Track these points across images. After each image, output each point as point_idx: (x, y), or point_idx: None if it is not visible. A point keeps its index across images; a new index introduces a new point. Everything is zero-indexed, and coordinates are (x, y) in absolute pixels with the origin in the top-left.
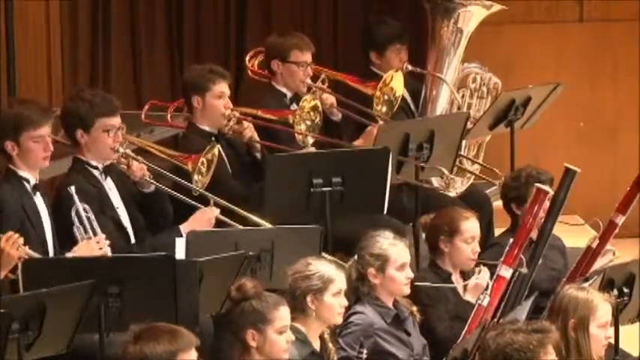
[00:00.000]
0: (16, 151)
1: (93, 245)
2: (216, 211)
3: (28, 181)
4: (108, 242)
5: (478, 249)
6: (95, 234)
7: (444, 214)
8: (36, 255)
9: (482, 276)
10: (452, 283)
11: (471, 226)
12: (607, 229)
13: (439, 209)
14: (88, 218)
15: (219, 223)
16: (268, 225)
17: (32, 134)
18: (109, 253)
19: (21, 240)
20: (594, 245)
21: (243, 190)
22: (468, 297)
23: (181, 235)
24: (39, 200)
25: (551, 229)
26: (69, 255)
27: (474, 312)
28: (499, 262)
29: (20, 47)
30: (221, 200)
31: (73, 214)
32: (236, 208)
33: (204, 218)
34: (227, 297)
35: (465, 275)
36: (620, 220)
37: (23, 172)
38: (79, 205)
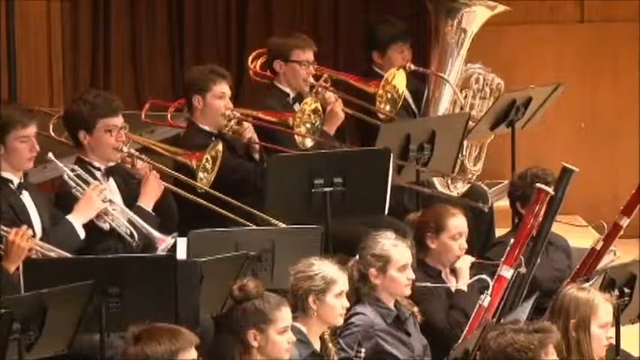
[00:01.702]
0: (1, 151)
1: (90, 194)
2: (157, 175)
3: (12, 182)
4: (103, 187)
5: (465, 245)
6: None
7: (430, 211)
8: (46, 245)
9: (465, 262)
10: (442, 280)
11: (457, 222)
12: (611, 232)
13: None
14: (78, 176)
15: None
16: (273, 220)
17: (19, 134)
18: (114, 199)
19: (30, 232)
20: (598, 247)
21: (244, 165)
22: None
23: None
24: (26, 199)
25: (549, 228)
26: (70, 216)
27: (474, 312)
28: (499, 262)
29: (21, 47)
30: (223, 195)
31: (66, 177)
32: (241, 204)
33: (151, 185)
34: (229, 297)
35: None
36: (625, 222)
37: (6, 174)
38: (66, 169)
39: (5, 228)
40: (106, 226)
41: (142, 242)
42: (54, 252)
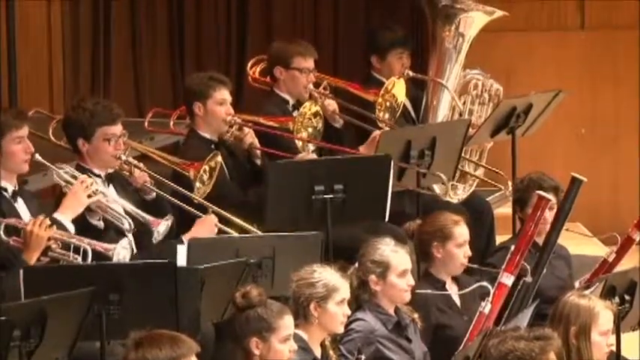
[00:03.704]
0: None
1: (77, 189)
2: (215, 219)
3: (6, 190)
4: (91, 181)
5: (469, 252)
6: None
7: (434, 220)
8: (65, 233)
9: None
10: (445, 290)
11: (462, 230)
12: (624, 245)
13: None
14: (66, 172)
15: (218, 231)
16: (255, 229)
17: (14, 135)
18: (101, 188)
19: (47, 221)
20: (610, 259)
21: (241, 196)
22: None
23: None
24: (21, 207)
25: (556, 238)
26: (57, 213)
27: (475, 319)
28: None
29: (21, 53)
30: (219, 209)
31: (55, 177)
32: (234, 217)
33: (205, 227)
34: (232, 304)
35: (459, 283)
36: (638, 236)
37: (1, 182)
38: (54, 168)
39: (22, 221)
40: (100, 224)
41: (138, 229)
42: (74, 239)
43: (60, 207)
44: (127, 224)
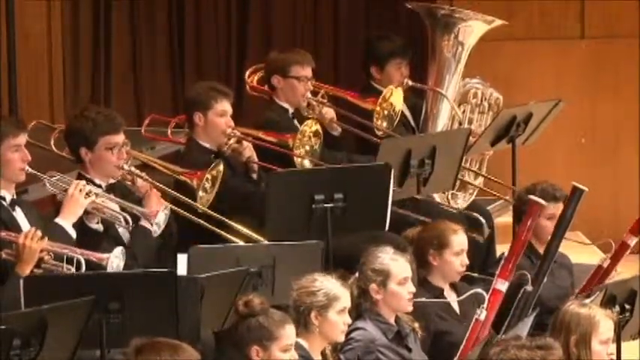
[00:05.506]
0: None
1: (73, 191)
2: (158, 193)
3: (4, 199)
4: (84, 182)
5: (467, 261)
6: None
7: (432, 228)
8: (56, 244)
9: None
10: (445, 299)
11: (460, 239)
12: (618, 250)
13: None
14: (59, 180)
15: (220, 239)
16: (258, 237)
17: (11, 143)
18: (96, 191)
19: (39, 233)
20: (605, 265)
21: (245, 187)
22: None
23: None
24: (19, 215)
25: (557, 247)
26: (58, 218)
27: (471, 326)
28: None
29: (22, 62)
30: (215, 214)
31: (48, 185)
32: (237, 225)
33: (152, 201)
34: (234, 312)
35: (457, 290)
36: (633, 241)
37: (0, 190)
38: (45, 177)
39: (13, 233)
40: (99, 227)
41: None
42: (66, 249)
43: (60, 212)
44: (124, 220)
